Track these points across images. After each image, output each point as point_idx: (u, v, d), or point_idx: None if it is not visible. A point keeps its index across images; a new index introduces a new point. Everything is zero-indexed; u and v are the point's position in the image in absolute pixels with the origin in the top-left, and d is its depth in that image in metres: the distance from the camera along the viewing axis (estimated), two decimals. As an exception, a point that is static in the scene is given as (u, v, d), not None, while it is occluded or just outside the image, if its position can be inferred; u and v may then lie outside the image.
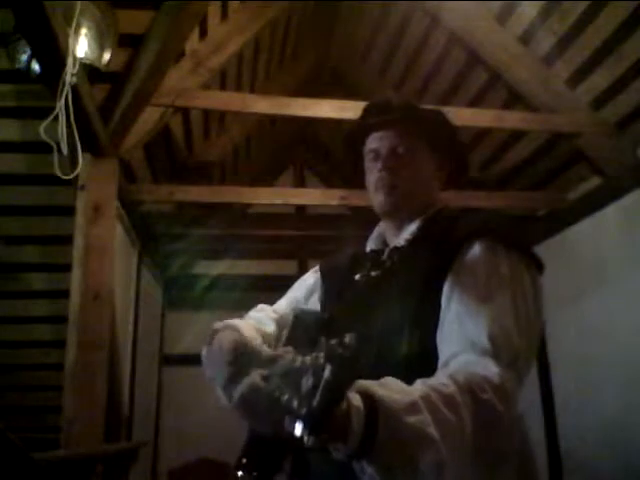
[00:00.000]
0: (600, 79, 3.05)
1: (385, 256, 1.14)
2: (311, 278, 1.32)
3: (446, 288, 0.99)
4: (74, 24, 1.97)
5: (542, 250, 3.85)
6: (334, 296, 1.21)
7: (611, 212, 3.37)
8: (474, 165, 4.09)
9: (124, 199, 3.20)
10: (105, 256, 2.71)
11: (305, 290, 1.31)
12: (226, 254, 5.06)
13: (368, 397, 0.73)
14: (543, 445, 3.74)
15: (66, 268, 2.71)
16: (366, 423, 0.71)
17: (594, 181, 3.54)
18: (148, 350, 4.46)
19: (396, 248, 1.15)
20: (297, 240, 5.23)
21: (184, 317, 5.08)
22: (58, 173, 2.07)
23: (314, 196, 4.14)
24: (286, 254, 5.49)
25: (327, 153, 5.72)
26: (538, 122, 3.29)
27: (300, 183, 5.73)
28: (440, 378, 0.84)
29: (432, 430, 0.74)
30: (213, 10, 3.02)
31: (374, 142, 1.18)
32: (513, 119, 3.32)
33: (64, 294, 2.73)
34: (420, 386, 0.81)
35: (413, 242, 1.13)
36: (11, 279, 3.24)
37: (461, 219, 1.13)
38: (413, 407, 0.75)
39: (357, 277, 1.16)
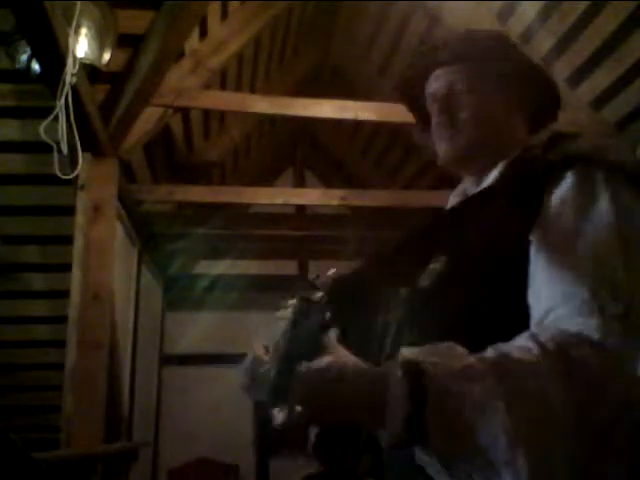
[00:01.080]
0: (600, 79, 3.05)
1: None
2: None
3: (534, 237, 0.78)
4: (74, 24, 1.97)
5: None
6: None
7: (611, 212, 3.37)
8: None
9: (124, 199, 3.20)
10: (105, 256, 2.71)
11: None
12: (226, 254, 5.06)
13: (412, 366, 0.61)
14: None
15: (66, 268, 2.71)
16: (411, 399, 0.59)
17: (594, 181, 3.54)
18: (148, 350, 4.46)
19: (470, 202, 0.92)
20: (297, 240, 5.23)
21: (184, 317, 5.08)
22: (58, 173, 2.07)
23: (314, 196, 4.14)
24: (286, 254, 5.49)
25: (327, 153, 5.73)
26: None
27: (300, 183, 5.73)
28: (518, 340, 0.67)
29: (498, 401, 0.59)
30: (213, 10, 3.02)
31: (432, 84, 1.01)
32: (513, 119, 3.32)
33: (64, 294, 2.73)
34: (488, 352, 0.65)
35: (491, 193, 0.89)
36: (11, 279, 3.24)
37: (572, 142, 0.88)
38: (470, 373, 0.61)
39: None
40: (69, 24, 1.96)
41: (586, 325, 0.67)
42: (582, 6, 2.81)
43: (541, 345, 0.64)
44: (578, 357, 0.64)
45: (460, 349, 0.65)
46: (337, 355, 0.68)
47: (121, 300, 3.42)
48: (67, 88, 1.96)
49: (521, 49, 1.01)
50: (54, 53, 1.95)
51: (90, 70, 2.25)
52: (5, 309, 3.30)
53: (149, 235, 4.10)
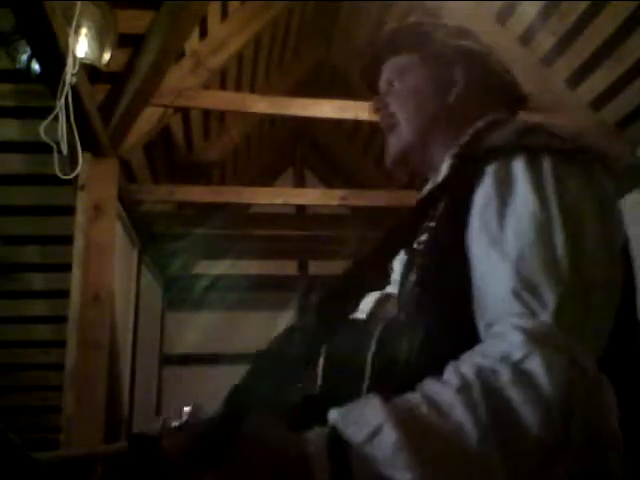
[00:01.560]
0: (600, 79, 3.05)
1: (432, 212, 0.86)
2: None
3: (468, 242, 0.74)
4: (74, 24, 1.97)
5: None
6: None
7: (611, 212, 3.37)
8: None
9: (124, 199, 3.20)
10: (105, 256, 2.71)
11: (398, 268, 0.99)
12: (226, 254, 5.06)
13: (335, 442, 0.58)
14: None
15: (66, 268, 2.71)
16: (333, 471, 0.56)
17: (594, 181, 3.54)
18: (148, 350, 4.46)
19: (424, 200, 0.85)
20: (297, 240, 5.23)
21: (184, 317, 5.08)
22: (58, 173, 2.07)
23: (314, 196, 4.14)
24: (286, 254, 5.49)
25: (327, 153, 5.72)
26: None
27: (300, 183, 5.73)
28: (446, 372, 0.63)
29: (409, 459, 0.55)
30: (213, 10, 3.02)
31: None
32: (513, 119, 3.32)
33: (64, 294, 2.73)
34: (414, 394, 0.62)
35: (442, 187, 0.83)
36: (11, 279, 3.24)
37: (495, 132, 0.83)
38: (378, 435, 0.57)
39: (415, 246, 0.86)
40: (69, 24, 1.96)
41: (510, 342, 0.62)
42: (582, 6, 2.81)
43: (461, 378, 0.60)
44: (494, 385, 0.59)
45: (374, 406, 0.60)
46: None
47: (121, 300, 3.42)
48: (67, 88, 1.96)
49: (470, 38, 0.97)
50: (54, 53, 1.95)
51: (90, 70, 2.25)
52: (5, 309, 3.30)
53: (149, 235, 4.10)
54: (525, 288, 0.66)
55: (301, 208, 5.29)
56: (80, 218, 2.68)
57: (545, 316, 0.64)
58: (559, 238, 0.68)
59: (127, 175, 3.35)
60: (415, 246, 0.85)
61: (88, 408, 2.53)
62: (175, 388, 4.93)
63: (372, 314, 0.93)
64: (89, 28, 2.17)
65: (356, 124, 4.58)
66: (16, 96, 2.71)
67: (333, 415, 0.61)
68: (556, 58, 3.13)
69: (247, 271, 5.28)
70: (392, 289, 0.98)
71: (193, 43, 3.04)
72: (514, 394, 0.58)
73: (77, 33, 2.05)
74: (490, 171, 0.74)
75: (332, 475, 0.56)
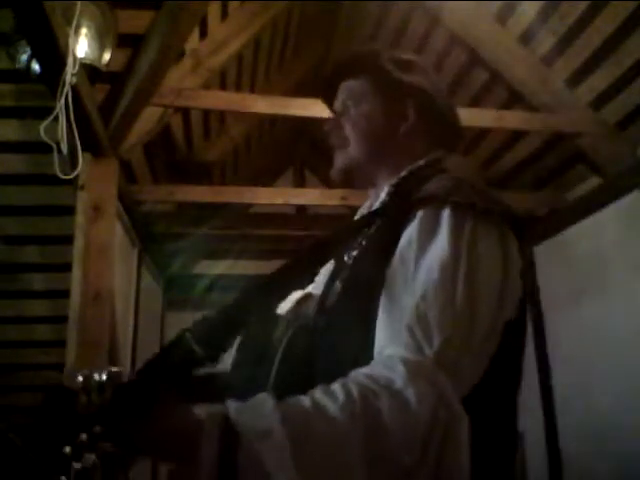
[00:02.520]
0: (600, 79, 3.05)
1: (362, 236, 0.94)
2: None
3: (387, 271, 0.82)
4: (74, 24, 1.96)
5: (542, 250, 3.87)
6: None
7: (611, 212, 3.37)
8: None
9: (124, 199, 3.20)
10: (105, 256, 2.71)
11: (325, 273, 1.05)
12: (226, 254, 5.06)
13: (227, 428, 0.64)
14: (543, 446, 3.74)
15: (66, 268, 2.71)
16: (224, 459, 0.62)
17: (594, 181, 3.54)
18: (148, 350, 4.45)
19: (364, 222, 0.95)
20: (297, 240, 5.23)
21: (184, 317, 5.05)
22: (58, 173, 2.07)
23: (314, 196, 4.14)
24: (286, 254, 5.48)
25: (327, 153, 5.71)
26: (538, 122, 3.29)
27: (300, 183, 5.73)
28: (336, 384, 0.71)
29: (291, 466, 0.62)
30: (213, 10, 3.03)
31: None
32: (513, 119, 3.32)
33: (64, 294, 2.73)
34: (305, 399, 0.69)
35: (376, 214, 0.92)
36: (11, 279, 3.24)
37: (430, 181, 0.90)
38: (271, 435, 0.63)
39: (345, 258, 0.95)
40: (69, 24, 1.96)
41: (394, 372, 0.71)
42: (582, 6, 2.81)
43: (347, 393, 0.68)
44: (374, 406, 0.67)
45: (268, 407, 0.66)
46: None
47: (121, 300, 3.42)
48: (67, 88, 1.96)
49: (419, 72, 1.02)
50: (54, 53, 1.95)
51: (90, 70, 2.25)
52: (5, 309, 3.30)
53: (149, 235, 4.10)
54: (418, 324, 0.74)
55: (301, 208, 5.29)
56: (80, 218, 2.68)
57: (428, 352, 0.73)
58: (460, 286, 0.76)
59: (127, 175, 3.35)
60: (345, 258, 0.94)
61: (88, 408, 2.52)
62: (175, 388, 4.92)
63: (291, 312, 0.99)
64: (89, 28, 2.17)
65: (356, 124, 4.58)
66: (16, 96, 2.71)
67: (230, 406, 0.66)
68: (556, 58, 3.13)
69: (247, 271, 5.28)
70: (314, 289, 1.04)
71: (193, 43, 3.04)
72: (388, 417, 0.67)
73: (77, 33, 2.05)
74: (418, 216, 0.83)
75: (219, 455, 0.62)
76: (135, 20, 2.43)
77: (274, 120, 4.85)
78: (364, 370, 0.74)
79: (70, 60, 1.96)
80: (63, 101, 1.96)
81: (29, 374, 3.52)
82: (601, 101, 3.15)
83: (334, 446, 0.65)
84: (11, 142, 2.85)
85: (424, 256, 0.79)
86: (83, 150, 2.43)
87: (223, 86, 3.76)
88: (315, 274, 0.97)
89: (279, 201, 3.89)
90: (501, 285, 0.79)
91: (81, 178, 2.62)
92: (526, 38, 3.16)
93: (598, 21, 2.81)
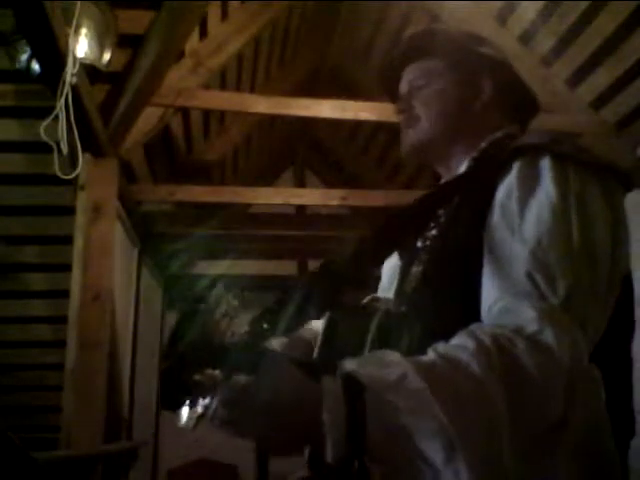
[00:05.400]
0: (600, 79, 3.05)
1: (441, 210, 0.90)
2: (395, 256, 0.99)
3: (485, 230, 0.78)
4: (74, 24, 1.97)
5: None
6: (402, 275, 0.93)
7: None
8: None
9: (124, 199, 3.20)
10: (105, 256, 2.71)
11: (389, 273, 1.01)
12: (226, 254, 5.06)
13: (351, 381, 0.61)
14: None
15: (66, 268, 2.71)
16: (351, 414, 0.59)
17: (594, 181, 3.54)
18: (148, 350, 4.46)
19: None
20: (297, 240, 5.23)
21: (184, 317, 5.07)
22: (58, 173, 2.07)
23: (314, 196, 4.14)
24: (286, 254, 5.49)
25: (327, 153, 5.72)
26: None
27: (300, 183, 5.72)
28: (458, 337, 0.67)
29: (432, 404, 0.58)
30: (213, 10, 3.02)
31: (401, 82, 1.01)
32: (513, 119, 3.32)
33: (64, 294, 2.73)
34: (428, 354, 0.65)
35: (461, 179, 0.89)
36: (11, 279, 3.24)
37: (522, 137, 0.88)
38: (405, 382, 0.60)
39: (419, 244, 0.90)
40: (69, 24, 1.96)
41: (524, 317, 0.66)
42: (582, 6, 2.81)
43: (477, 341, 0.64)
44: (511, 352, 0.63)
45: (395, 357, 0.64)
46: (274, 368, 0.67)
47: (121, 300, 3.42)
48: (67, 88, 1.96)
49: (485, 45, 1.00)
50: (54, 53, 1.95)
51: (90, 70, 2.25)
52: (5, 309, 3.30)
53: (149, 235, 4.10)
54: (539, 272, 0.70)
55: (301, 208, 5.29)
56: (80, 218, 2.68)
57: (554, 300, 0.68)
58: (576, 232, 0.72)
59: (127, 175, 3.35)
60: (419, 244, 0.89)
61: (88, 408, 2.53)
62: (175, 388, 4.92)
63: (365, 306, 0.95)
64: (89, 28, 2.17)
65: (356, 124, 4.58)
66: (16, 96, 2.71)
67: (349, 363, 0.63)
68: (556, 58, 3.13)
69: (247, 271, 5.28)
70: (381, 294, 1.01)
71: (193, 43, 3.03)
72: (529, 362, 0.62)
73: (77, 33, 2.05)
74: (516, 167, 0.79)
75: (347, 415, 0.58)
76: (135, 20, 2.43)
77: (274, 120, 4.85)
78: (483, 324, 0.70)
79: (70, 60, 1.96)
80: (63, 101, 1.96)
81: (29, 374, 3.52)
82: (601, 101, 3.15)
83: (473, 388, 0.60)
84: (11, 142, 2.85)
85: (529, 205, 0.75)
86: (83, 150, 2.43)
87: (223, 86, 3.76)
88: (402, 243, 0.92)
89: (279, 201, 3.89)
90: (612, 239, 0.75)
91: (81, 178, 2.62)
92: (526, 38, 3.16)
93: (598, 21, 2.81)
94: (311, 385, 0.62)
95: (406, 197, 4.05)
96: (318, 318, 0.84)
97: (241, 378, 0.64)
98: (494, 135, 0.94)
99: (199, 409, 0.65)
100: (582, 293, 0.69)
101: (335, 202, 3.85)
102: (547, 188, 0.75)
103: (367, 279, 0.86)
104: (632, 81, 2.92)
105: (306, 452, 0.72)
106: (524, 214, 0.75)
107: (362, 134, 5.09)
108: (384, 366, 0.62)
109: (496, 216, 0.77)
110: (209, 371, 0.65)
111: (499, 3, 3.12)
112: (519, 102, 1.00)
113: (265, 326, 0.74)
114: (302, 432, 0.63)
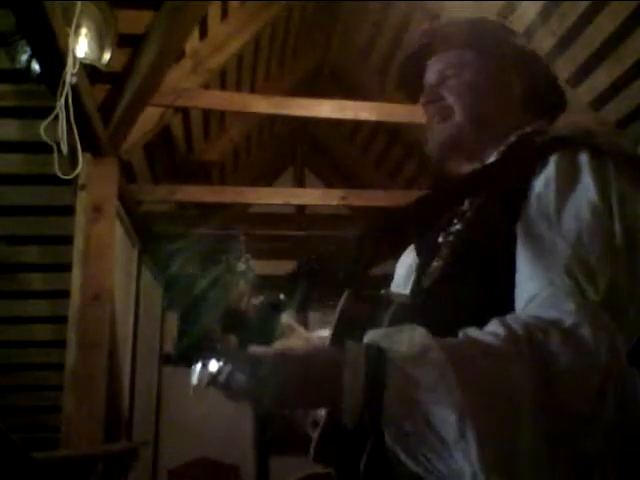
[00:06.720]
0: (600, 79, 3.05)
1: (466, 205, 0.87)
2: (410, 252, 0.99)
3: (520, 224, 0.76)
4: (74, 24, 1.97)
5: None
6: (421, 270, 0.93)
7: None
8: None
9: (124, 199, 3.20)
10: (105, 256, 2.71)
11: (404, 271, 1.00)
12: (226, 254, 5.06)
13: (373, 350, 0.62)
14: None
15: (66, 268, 2.71)
16: (371, 382, 0.60)
17: (594, 181, 3.54)
18: (148, 350, 4.46)
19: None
20: (297, 240, 5.23)
21: (184, 317, 5.07)
22: (58, 173, 2.07)
23: (314, 196, 4.14)
24: (286, 254, 5.48)
25: (327, 153, 5.72)
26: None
27: (300, 183, 5.72)
28: (490, 325, 0.66)
29: (450, 380, 0.59)
30: (213, 10, 3.02)
31: (426, 75, 0.98)
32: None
33: (64, 294, 2.73)
34: (458, 336, 0.65)
35: (491, 167, 0.88)
36: (11, 279, 3.24)
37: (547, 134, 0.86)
38: (427, 356, 0.60)
39: (440, 239, 0.89)
40: (69, 24, 1.96)
41: (561, 310, 0.65)
42: (582, 6, 2.81)
43: (509, 329, 0.63)
44: (543, 342, 0.62)
45: (421, 332, 0.64)
46: (291, 336, 0.68)
47: (121, 300, 3.42)
48: (67, 88, 1.96)
49: (516, 37, 0.97)
50: (54, 53, 1.95)
51: (90, 70, 2.25)
52: (5, 309, 3.30)
53: (149, 235, 4.10)
54: (579, 268, 0.69)
55: (301, 208, 5.29)
56: (80, 218, 2.68)
57: (594, 297, 0.67)
58: (617, 229, 0.71)
59: (127, 175, 3.35)
60: (440, 239, 0.89)
61: (88, 408, 2.53)
62: (175, 388, 4.93)
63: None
64: (89, 28, 2.18)
65: (356, 124, 4.58)
66: (16, 96, 2.71)
67: (372, 335, 0.64)
68: (556, 58, 3.13)
69: (247, 271, 5.27)
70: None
71: (193, 43, 3.03)
72: (562, 353, 0.61)
73: (77, 33, 2.05)
74: (553, 160, 0.77)
75: (366, 384, 0.59)
76: (135, 20, 2.43)
77: (274, 120, 4.85)
78: (518, 314, 0.69)
79: (70, 60, 1.96)
80: (63, 101, 1.96)
81: (29, 374, 3.52)
82: (601, 101, 3.15)
83: (497, 372, 0.60)
84: (11, 142, 2.85)
85: (567, 200, 0.74)
86: (83, 150, 2.43)
87: (223, 86, 3.76)
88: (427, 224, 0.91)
89: (279, 201, 3.90)
90: None
91: (81, 178, 2.62)
92: (526, 38, 3.16)
93: (598, 21, 2.81)
94: (333, 352, 0.64)
95: (406, 197, 4.05)
96: (333, 293, 0.84)
97: (260, 348, 0.66)
98: (524, 129, 0.92)
99: (211, 369, 0.66)
100: (622, 292, 0.68)
101: (335, 202, 3.85)
102: (586, 185, 0.74)
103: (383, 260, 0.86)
104: (632, 81, 2.93)
105: (308, 453, 0.72)
106: (563, 208, 0.74)
107: (362, 134, 5.09)
108: (407, 339, 0.63)
109: (533, 208, 0.76)
110: (224, 334, 0.67)
111: (499, 3, 3.11)
112: (548, 96, 0.97)
113: (281, 297, 0.75)
114: (318, 398, 0.64)
